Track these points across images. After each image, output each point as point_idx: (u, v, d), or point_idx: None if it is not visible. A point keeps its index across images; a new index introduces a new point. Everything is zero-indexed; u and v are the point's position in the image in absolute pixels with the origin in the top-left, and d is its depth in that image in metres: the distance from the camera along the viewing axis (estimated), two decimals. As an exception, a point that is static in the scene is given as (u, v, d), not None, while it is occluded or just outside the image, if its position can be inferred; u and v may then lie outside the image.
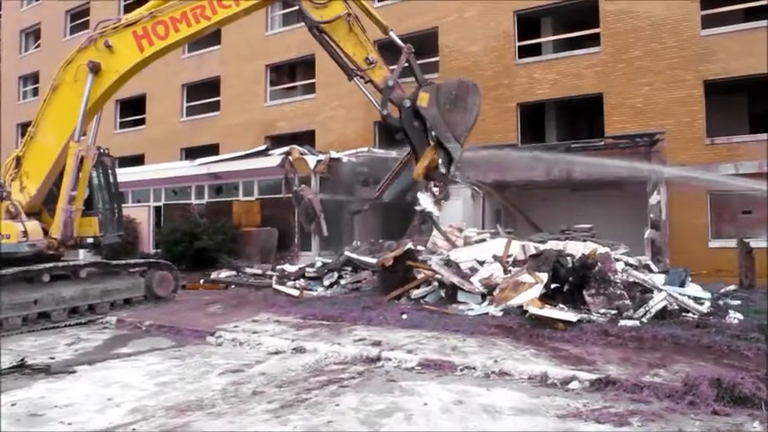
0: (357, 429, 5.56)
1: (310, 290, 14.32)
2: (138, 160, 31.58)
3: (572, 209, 18.73)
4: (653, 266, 13.67)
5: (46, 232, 12.22)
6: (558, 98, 22.89)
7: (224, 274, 17.79)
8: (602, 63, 21.44)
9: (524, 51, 23.41)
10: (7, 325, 10.79)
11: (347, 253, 16.04)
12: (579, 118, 24.54)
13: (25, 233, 11.64)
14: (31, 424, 5.84)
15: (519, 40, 23.42)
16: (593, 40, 21.84)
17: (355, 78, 11.53)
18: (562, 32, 23.26)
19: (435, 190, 11.96)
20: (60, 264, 12.22)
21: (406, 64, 11.50)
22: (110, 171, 13.85)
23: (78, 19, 37.18)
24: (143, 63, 12.27)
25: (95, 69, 12.01)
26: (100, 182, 13.47)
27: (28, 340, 10.31)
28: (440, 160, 10.94)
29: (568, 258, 11.74)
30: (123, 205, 15.18)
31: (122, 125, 36.28)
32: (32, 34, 41.40)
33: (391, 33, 11.92)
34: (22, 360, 8.28)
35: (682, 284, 11.46)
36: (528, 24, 23.57)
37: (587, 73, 21.70)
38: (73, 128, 12.12)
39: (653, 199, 17.39)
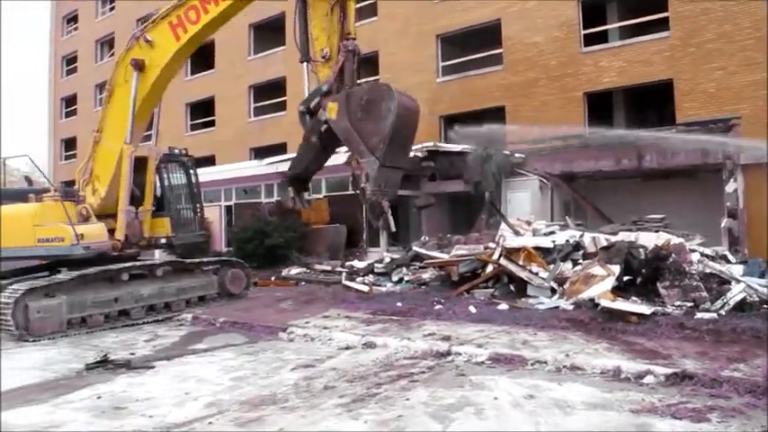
0: (427, 423, 5.59)
1: (379, 285, 14.40)
2: (208, 161, 32.35)
3: (643, 199, 18.27)
4: (730, 257, 13.23)
5: None
6: (626, 86, 22.34)
7: (294, 270, 18.05)
8: (671, 48, 20.78)
9: (590, 39, 22.92)
10: (91, 322, 11.22)
11: (415, 248, 16.08)
12: (649, 106, 23.88)
13: (80, 236, 11.68)
14: (115, 416, 6.08)
15: (584, 28, 22.96)
16: (662, 24, 21.17)
17: (305, 64, 10.56)
18: (629, 18, 22.60)
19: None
20: (138, 263, 12.63)
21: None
22: (191, 171, 14.15)
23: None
24: (181, 53, 12.25)
25: (139, 66, 12.16)
26: (170, 182, 13.73)
27: (110, 336, 10.71)
28: (290, 195, 10.77)
29: (641, 250, 11.48)
30: (198, 205, 15.44)
31: (193, 127, 37.30)
32: (107, 44, 42.99)
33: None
34: (105, 355, 8.58)
35: (761, 275, 11.07)
36: (593, 11, 23.06)
37: (656, 59, 21.07)
38: (130, 128, 12.30)
39: (729, 187, 16.80)
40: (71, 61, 47.26)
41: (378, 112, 9.27)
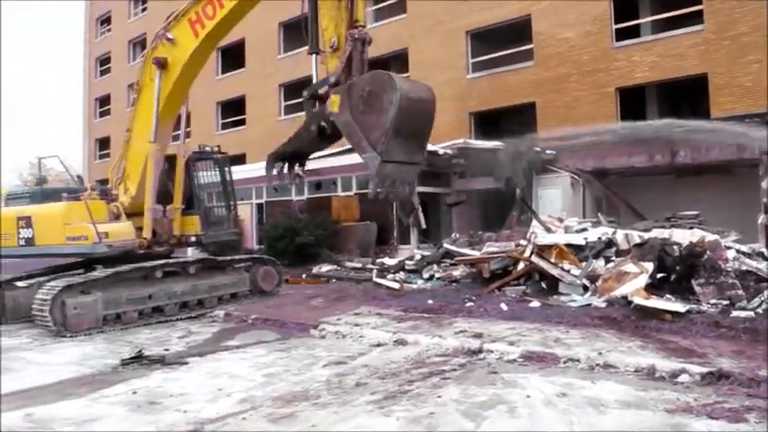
0: (459, 421, 5.58)
1: (410, 283, 14.40)
2: (239, 160, 32.59)
3: (677, 195, 18.03)
4: (768, 254, 12.99)
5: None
6: (660, 80, 22.04)
7: (325, 268, 18.11)
8: (705, 41, 20.44)
9: (622, 34, 22.66)
10: (125, 318, 11.41)
11: (446, 245, 16.05)
12: (682, 101, 23.53)
13: (103, 234, 11.80)
14: (150, 411, 6.17)
15: (616, 23, 22.69)
16: (695, 17, 20.84)
17: (313, 56, 10.20)
18: (661, 12, 22.28)
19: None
20: (171, 260, 12.79)
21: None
22: (225, 169, 14.22)
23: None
24: (200, 49, 12.18)
25: (162, 65, 12.22)
26: (200, 180, 13.79)
27: (144, 333, 10.87)
28: (274, 172, 10.34)
29: (675, 247, 11.32)
30: (230, 203, 15.49)
31: (224, 126, 37.62)
32: (139, 44, 43.58)
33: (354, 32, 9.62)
34: (140, 351, 8.69)
35: (800, 273, 10.83)
36: (625, 5, 22.79)
37: (690, 53, 20.76)
38: (154, 127, 12.36)
39: (766, 182, 16.50)
40: (104, 62, 48.08)
41: (379, 104, 8.72)
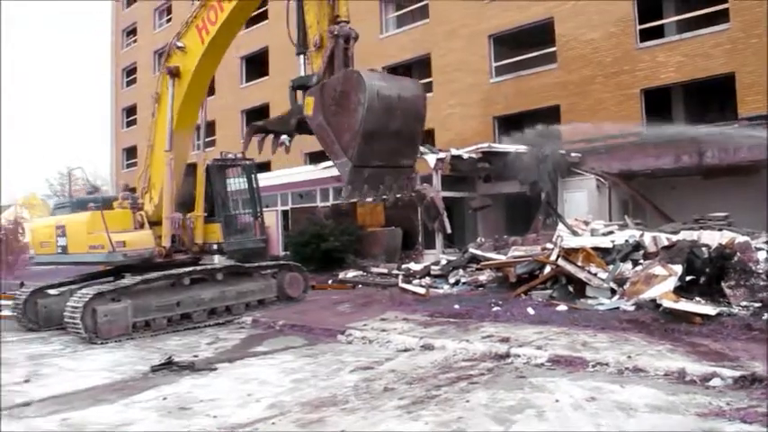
0: (488, 425, 5.58)
1: (436, 288, 14.40)
2: (264, 167, 32.80)
3: (705, 197, 17.79)
4: (800, 255, 12.78)
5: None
6: (685, 81, 21.78)
7: (351, 273, 18.15)
8: (731, 40, 20.15)
9: (646, 34, 22.43)
10: (155, 325, 11.53)
11: (472, 250, 16.02)
12: (709, 101, 23.26)
13: (119, 244, 11.96)
14: (181, 416, 6.26)
15: (640, 23, 22.49)
16: (720, 16, 20.58)
17: (301, 57, 9.90)
18: (686, 12, 22.02)
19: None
20: (198, 268, 12.90)
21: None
22: (251, 176, 14.22)
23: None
24: (207, 56, 12.19)
25: (174, 73, 12.35)
26: (219, 188, 13.73)
27: (173, 340, 10.97)
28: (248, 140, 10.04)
29: (704, 249, 11.20)
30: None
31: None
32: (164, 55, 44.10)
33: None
34: (170, 358, 8.78)
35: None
36: (648, 6, 22.59)
37: (716, 52, 20.48)
38: (169, 135, 12.46)
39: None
40: (131, 72, 48.81)
41: (349, 104, 8.22)
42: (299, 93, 9.84)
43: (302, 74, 9.93)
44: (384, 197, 9.18)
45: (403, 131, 8.69)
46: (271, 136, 10.94)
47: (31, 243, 15.45)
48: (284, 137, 10.73)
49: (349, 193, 8.50)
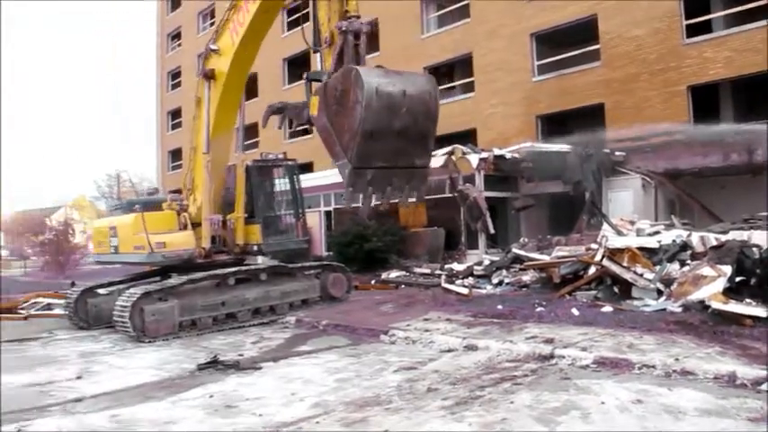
0: (532, 427, 5.54)
1: (479, 288, 14.32)
2: (307, 168, 33.03)
3: (754, 195, 17.35)
4: None
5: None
6: (734, 77, 21.27)
7: (394, 274, 18.17)
8: (782, 34, 19.65)
9: (692, 30, 21.98)
10: (200, 324, 11.72)
11: (515, 250, 15.90)
12: (759, 97, 22.68)
13: (159, 245, 12.27)
14: (227, 414, 6.35)
15: (686, 19, 22.05)
16: (769, 10, 20.09)
17: (318, 55, 9.76)
18: (734, 6, 21.51)
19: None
20: (243, 268, 13.05)
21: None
22: (293, 176, 14.34)
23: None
24: (238, 57, 12.26)
25: (209, 76, 12.58)
26: (259, 189, 13.83)
27: (218, 339, 11.13)
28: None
29: (754, 249, 10.93)
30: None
31: (292, 135, 38.18)
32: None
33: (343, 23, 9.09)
34: (215, 356, 8.91)
35: None
36: (695, 1, 22.12)
37: (765, 47, 19.96)
38: (205, 137, 12.67)
39: None
40: (175, 76, 49.72)
41: (348, 103, 7.94)
42: (314, 85, 9.69)
43: (320, 64, 9.84)
44: (395, 200, 8.85)
45: (411, 130, 8.38)
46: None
47: (92, 242, 15.94)
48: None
49: (350, 196, 8.24)
